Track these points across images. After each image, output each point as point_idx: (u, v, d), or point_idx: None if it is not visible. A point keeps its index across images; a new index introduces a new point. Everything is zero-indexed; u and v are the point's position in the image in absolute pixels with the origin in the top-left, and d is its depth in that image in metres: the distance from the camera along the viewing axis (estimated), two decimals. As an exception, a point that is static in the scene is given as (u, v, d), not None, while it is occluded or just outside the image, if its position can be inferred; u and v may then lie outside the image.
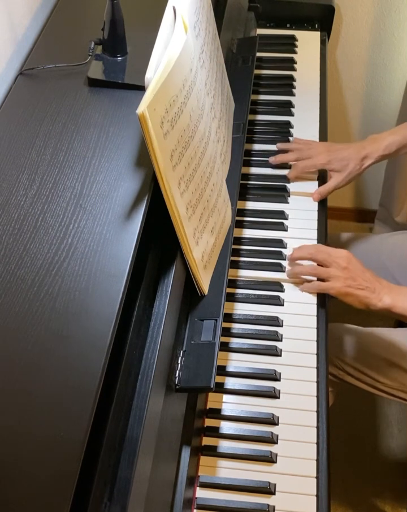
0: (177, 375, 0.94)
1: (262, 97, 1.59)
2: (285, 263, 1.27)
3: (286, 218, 1.35)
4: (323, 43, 1.75)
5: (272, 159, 1.43)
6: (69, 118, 1.02)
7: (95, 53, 1.13)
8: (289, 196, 1.39)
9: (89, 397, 0.70)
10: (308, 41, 1.75)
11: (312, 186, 1.41)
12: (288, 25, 1.79)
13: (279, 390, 1.09)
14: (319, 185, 1.41)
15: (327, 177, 1.42)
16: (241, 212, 1.35)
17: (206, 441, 1.03)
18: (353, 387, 1.43)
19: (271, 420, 1.05)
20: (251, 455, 1.02)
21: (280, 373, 1.11)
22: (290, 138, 1.50)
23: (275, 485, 0.99)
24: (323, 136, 1.52)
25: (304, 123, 1.53)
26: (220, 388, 1.09)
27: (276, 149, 1.47)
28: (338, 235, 1.65)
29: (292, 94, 1.60)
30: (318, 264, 1.22)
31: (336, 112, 2.07)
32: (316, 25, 1.79)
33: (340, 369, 1.40)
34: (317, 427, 1.05)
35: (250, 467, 1.01)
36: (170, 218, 0.91)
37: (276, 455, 1.02)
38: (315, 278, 1.23)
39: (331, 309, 1.24)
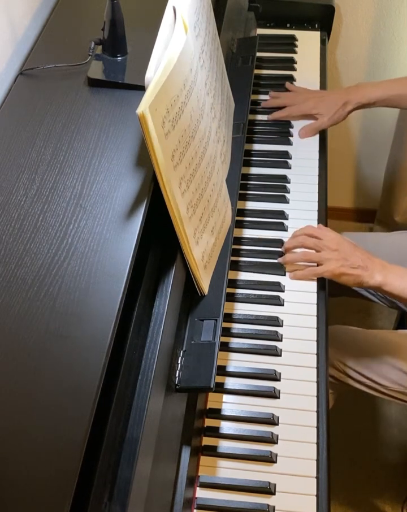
0: (177, 375, 0.94)
1: (262, 97, 1.59)
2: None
3: (286, 219, 1.35)
4: (323, 43, 1.75)
5: (264, 103, 1.55)
6: (69, 118, 1.02)
7: (95, 53, 1.13)
8: (289, 196, 1.39)
9: (89, 397, 0.70)
10: (308, 41, 1.75)
11: (313, 187, 1.41)
12: (288, 25, 1.79)
13: (279, 390, 1.09)
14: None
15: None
16: (241, 212, 1.35)
17: (206, 441, 1.03)
18: (354, 389, 1.43)
19: (271, 420, 1.05)
20: (251, 455, 1.02)
21: (280, 373, 1.11)
22: (290, 138, 1.50)
23: (275, 485, 0.99)
24: (323, 136, 1.52)
25: (304, 123, 1.53)
26: (220, 388, 1.09)
27: (276, 150, 1.47)
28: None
29: (292, 94, 1.60)
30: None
31: (335, 112, 2.07)
32: (316, 25, 1.78)
33: (340, 372, 1.40)
34: (317, 427, 1.05)
35: (250, 467, 1.01)
36: (170, 218, 0.91)
37: (276, 455, 1.02)
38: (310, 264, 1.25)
39: (331, 309, 1.24)
